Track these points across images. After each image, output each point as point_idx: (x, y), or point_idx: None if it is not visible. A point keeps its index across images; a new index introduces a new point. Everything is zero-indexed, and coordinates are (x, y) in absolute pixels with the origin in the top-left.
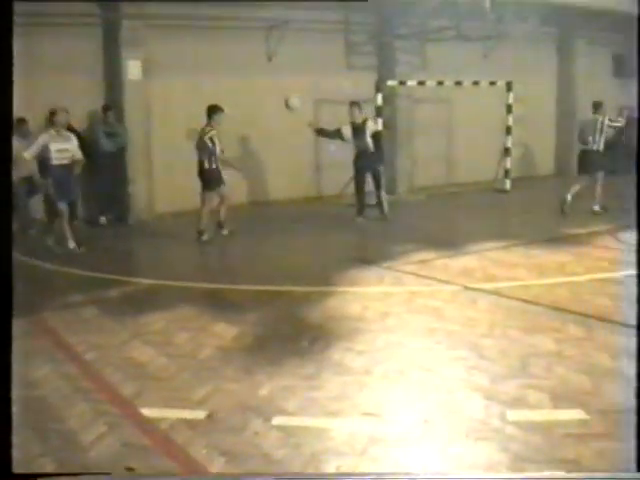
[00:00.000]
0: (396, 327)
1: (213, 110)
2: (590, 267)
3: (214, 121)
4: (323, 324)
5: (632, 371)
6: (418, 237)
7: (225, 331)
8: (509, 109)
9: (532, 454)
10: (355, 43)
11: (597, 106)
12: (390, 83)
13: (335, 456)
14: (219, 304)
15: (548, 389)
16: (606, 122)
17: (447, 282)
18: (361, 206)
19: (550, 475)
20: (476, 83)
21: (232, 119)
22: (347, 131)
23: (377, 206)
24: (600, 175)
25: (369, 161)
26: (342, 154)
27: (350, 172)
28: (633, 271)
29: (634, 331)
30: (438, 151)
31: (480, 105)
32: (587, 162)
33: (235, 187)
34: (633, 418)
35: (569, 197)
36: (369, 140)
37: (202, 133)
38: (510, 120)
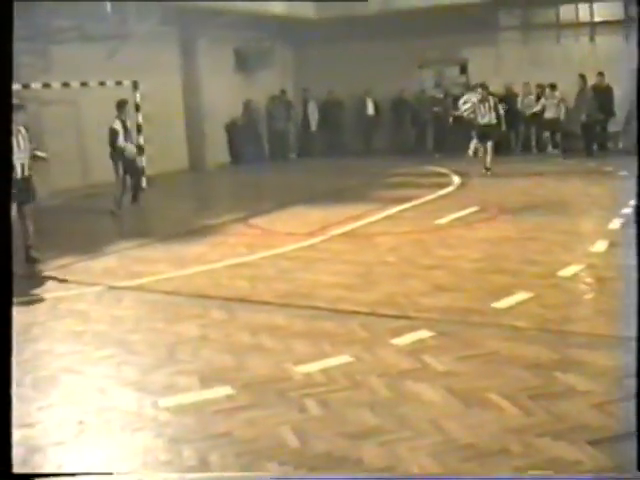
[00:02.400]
0: (42, 335)
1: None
2: (226, 254)
3: (16, 124)
4: None
5: (271, 344)
6: (57, 242)
7: None
8: (137, 108)
9: (186, 435)
10: None
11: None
12: (14, 87)
13: None
14: None
15: (196, 372)
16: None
17: (90, 284)
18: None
19: (549, 475)
20: (102, 83)
21: None
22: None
23: None
24: (489, 143)
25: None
26: None
27: None
28: (267, 253)
29: (269, 307)
30: (71, 154)
31: (109, 105)
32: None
33: None
34: (275, 387)
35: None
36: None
37: None
38: (140, 118)
